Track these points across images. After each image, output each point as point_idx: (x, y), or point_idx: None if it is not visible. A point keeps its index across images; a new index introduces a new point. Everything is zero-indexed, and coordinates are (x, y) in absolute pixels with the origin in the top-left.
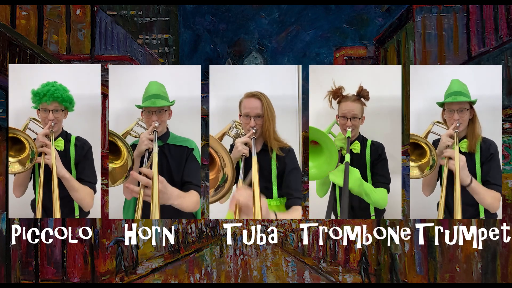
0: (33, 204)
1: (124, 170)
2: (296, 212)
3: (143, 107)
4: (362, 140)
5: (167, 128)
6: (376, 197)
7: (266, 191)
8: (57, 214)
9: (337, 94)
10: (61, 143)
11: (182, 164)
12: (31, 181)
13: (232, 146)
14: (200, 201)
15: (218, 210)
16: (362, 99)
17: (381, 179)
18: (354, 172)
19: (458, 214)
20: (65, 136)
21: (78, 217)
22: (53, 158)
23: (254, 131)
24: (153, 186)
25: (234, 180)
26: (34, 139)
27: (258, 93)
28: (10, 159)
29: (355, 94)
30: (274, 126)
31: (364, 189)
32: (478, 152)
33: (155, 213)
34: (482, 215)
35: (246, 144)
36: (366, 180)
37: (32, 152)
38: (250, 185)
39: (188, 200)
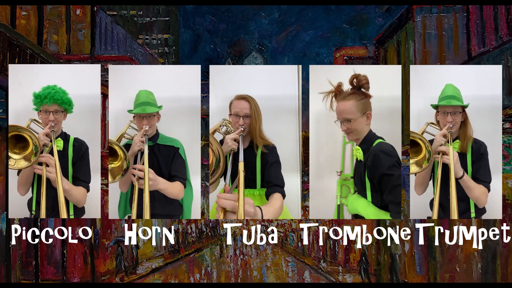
0: (30, 203)
1: (121, 169)
2: (277, 201)
3: (134, 113)
4: (369, 141)
5: (157, 130)
6: (369, 214)
7: (250, 182)
8: (63, 214)
9: (337, 92)
10: (60, 143)
11: (169, 161)
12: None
13: (221, 141)
14: (183, 190)
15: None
16: (361, 89)
17: (389, 200)
18: (355, 202)
19: (454, 214)
20: (64, 136)
21: (72, 216)
22: (56, 159)
23: (242, 129)
24: (145, 181)
25: (225, 162)
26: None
27: (247, 96)
28: (15, 156)
29: (349, 88)
30: (260, 125)
31: (356, 207)
32: (469, 153)
33: (146, 213)
34: (472, 209)
35: (235, 140)
36: (365, 193)
37: (36, 146)
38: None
39: (172, 187)
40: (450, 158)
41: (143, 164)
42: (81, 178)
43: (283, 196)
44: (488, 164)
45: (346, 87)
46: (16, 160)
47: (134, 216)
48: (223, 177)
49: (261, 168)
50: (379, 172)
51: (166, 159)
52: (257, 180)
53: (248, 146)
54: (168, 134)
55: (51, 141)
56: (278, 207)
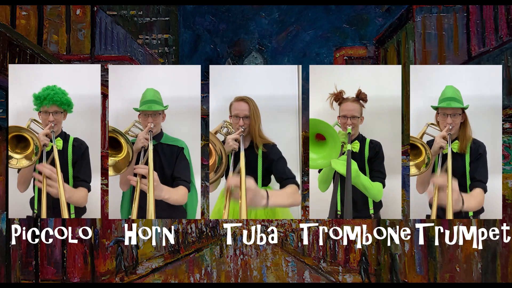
0: (32, 202)
1: (127, 161)
2: (288, 188)
3: (140, 110)
4: (362, 139)
5: (161, 129)
6: (374, 190)
7: None
8: (65, 214)
9: (338, 97)
10: (59, 143)
11: (172, 162)
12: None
13: (223, 142)
14: (187, 194)
15: (218, 210)
16: (360, 101)
17: (377, 174)
18: (352, 164)
19: (449, 214)
20: (64, 136)
21: (73, 215)
22: (56, 159)
23: (242, 129)
24: (149, 179)
25: (227, 160)
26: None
27: (246, 98)
28: (16, 156)
29: (354, 96)
30: (259, 125)
31: (361, 181)
32: (468, 153)
33: (151, 213)
34: (471, 214)
35: (236, 140)
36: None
37: (36, 147)
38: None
39: (176, 194)
40: (449, 158)
41: (146, 163)
42: (81, 178)
43: (298, 186)
44: (486, 165)
45: (348, 92)
46: (18, 160)
47: (134, 217)
48: (224, 176)
49: (262, 167)
50: (380, 156)
51: (169, 159)
52: (259, 179)
53: (249, 146)
54: (168, 134)
55: (51, 141)
56: (290, 192)
